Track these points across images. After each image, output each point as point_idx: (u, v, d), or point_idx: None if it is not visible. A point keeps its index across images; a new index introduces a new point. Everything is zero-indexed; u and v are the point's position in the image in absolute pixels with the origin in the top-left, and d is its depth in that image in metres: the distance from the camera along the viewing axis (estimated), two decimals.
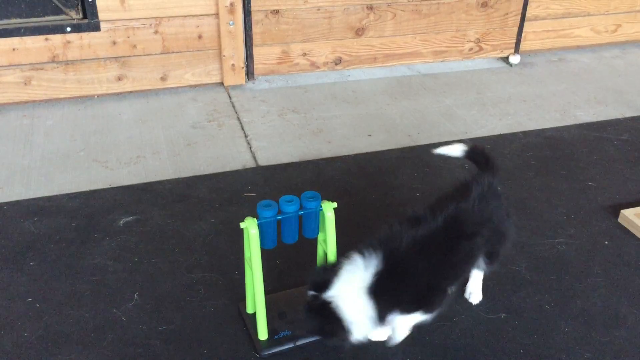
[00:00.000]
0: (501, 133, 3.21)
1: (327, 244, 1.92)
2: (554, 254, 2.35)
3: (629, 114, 3.42)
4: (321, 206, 1.86)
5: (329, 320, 1.74)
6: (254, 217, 1.82)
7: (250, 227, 1.80)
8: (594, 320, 2.06)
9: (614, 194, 2.71)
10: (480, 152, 2.07)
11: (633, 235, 2.45)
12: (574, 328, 2.03)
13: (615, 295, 2.16)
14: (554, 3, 3.97)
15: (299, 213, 1.84)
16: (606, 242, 2.42)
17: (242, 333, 1.99)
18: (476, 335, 2.00)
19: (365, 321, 1.75)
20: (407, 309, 1.81)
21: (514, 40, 4.00)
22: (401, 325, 1.88)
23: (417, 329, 1.96)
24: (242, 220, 1.81)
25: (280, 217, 1.83)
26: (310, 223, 1.88)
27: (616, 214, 2.55)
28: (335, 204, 1.87)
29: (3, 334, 1.97)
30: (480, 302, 2.12)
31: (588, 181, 2.80)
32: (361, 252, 1.77)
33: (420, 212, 1.85)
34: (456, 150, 2.09)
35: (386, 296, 1.74)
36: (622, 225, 2.51)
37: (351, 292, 1.73)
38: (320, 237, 1.96)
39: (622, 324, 2.05)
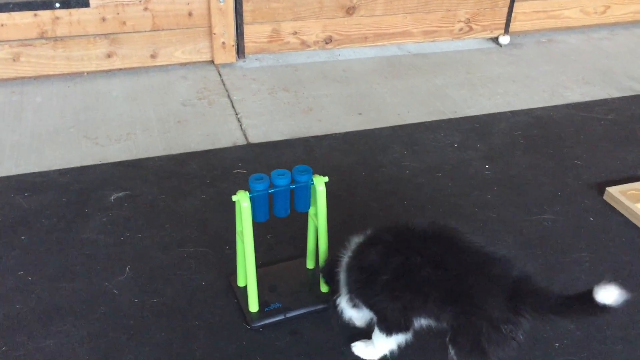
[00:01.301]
0: (490, 112, 3.23)
1: (318, 218, 1.94)
2: (540, 230, 2.39)
3: (616, 94, 3.45)
4: (312, 180, 1.88)
5: (333, 272, 1.79)
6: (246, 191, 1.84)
7: (242, 200, 1.81)
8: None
9: (600, 172, 2.75)
10: None
11: (618, 212, 2.50)
12: None
13: (598, 269, 2.21)
14: None
15: (291, 187, 1.86)
16: (591, 219, 2.47)
17: (233, 305, 2.02)
18: None
19: (344, 291, 1.77)
20: (360, 300, 1.75)
21: (504, 21, 4.01)
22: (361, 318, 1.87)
23: None
24: (234, 194, 1.83)
25: (272, 190, 1.85)
26: (301, 197, 1.90)
27: (602, 191, 2.60)
28: (326, 178, 1.90)
29: None
30: None
31: (575, 159, 2.84)
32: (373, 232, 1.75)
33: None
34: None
35: (348, 274, 1.75)
36: (607, 203, 2.55)
37: (345, 256, 1.77)
38: (311, 211, 1.99)
39: None
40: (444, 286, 1.59)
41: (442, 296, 1.60)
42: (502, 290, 1.52)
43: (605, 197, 2.57)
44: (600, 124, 3.14)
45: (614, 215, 2.49)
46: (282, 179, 1.84)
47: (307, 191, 1.90)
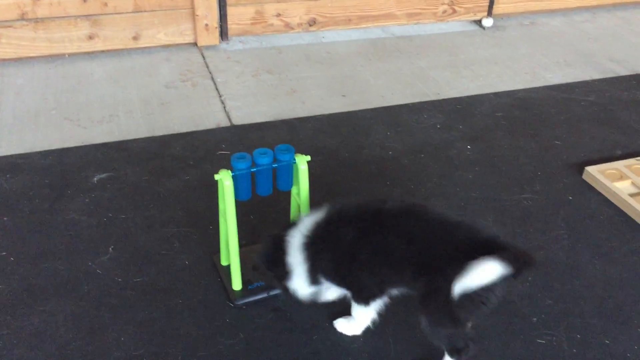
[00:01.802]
0: (473, 94, 3.26)
1: (301, 197, 1.96)
2: (520, 208, 2.43)
3: (596, 76, 3.49)
4: (295, 159, 1.89)
5: (277, 254, 1.77)
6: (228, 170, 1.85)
7: (224, 179, 1.83)
8: (556, 269, 2.15)
9: (579, 152, 2.79)
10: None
11: (596, 191, 2.54)
12: (537, 277, 2.11)
13: (577, 246, 2.25)
14: None
15: (273, 166, 1.87)
16: (570, 198, 2.50)
17: (217, 284, 2.04)
18: None
19: (300, 271, 1.76)
20: (332, 279, 1.77)
21: (487, 4, 4.02)
22: (331, 294, 1.86)
23: None
24: (216, 174, 1.84)
25: (254, 169, 1.86)
26: (283, 175, 1.91)
27: (581, 171, 2.64)
28: (308, 157, 1.91)
29: None
30: None
31: (555, 140, 2.88)
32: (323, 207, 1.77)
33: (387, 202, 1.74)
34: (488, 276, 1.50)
35: (312, 254, 1.74)
36: (586, 182, 2.59)
37: (297, 236, 1.75)
38: (293, 190, 2.00)
39: (582, 273, 2.14)
40: (416, 259, 1.62)
41: (415, 268, 1.63)
42: (468, 256, 1.52)
43: (584, 176, 2.61)
44: (580, 106, 3.18)
45: (592, 194, 2.53)
46: (264, 157, 1.85)
47: (290, 170, 1.91)
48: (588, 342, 1.88)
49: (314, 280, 1.76)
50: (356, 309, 1.81)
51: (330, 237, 1.72)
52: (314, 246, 1.73)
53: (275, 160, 1.87)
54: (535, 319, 1.96)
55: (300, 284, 1.77)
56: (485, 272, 1.46)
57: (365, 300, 1.75)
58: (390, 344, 1.85)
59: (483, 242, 1.58)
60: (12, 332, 1.84)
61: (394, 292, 1.77)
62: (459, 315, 1.59)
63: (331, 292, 1.85)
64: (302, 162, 1.90)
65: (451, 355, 1.70)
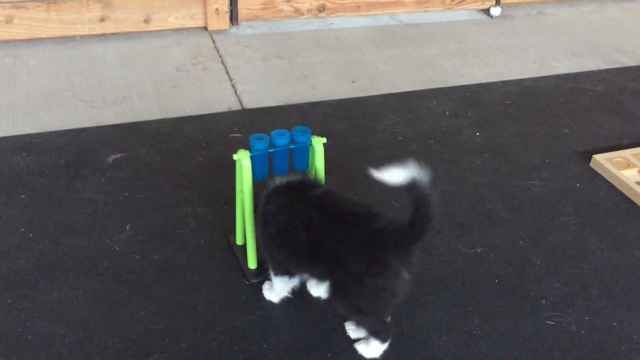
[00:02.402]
0: (480, 82, 3.29)
1: (316, 177, 1.99)
2: (529, 195, 2.47)
3: (603, 66, 3.52)
4: (311, 141, 1.93)
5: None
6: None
7: (243, 159, 1.86)
8: (564, 254, 2.19)
9: (587, 140, 2.83)
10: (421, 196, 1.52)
11: (603, 179, 2.58)
12: (545, 261, 2.16)
13: (584, 232, 2.30)
14: None
15: (290, 147, 1.91)
16: (578, 185, 2.55)
17: (232, 263, 2.08)
18: (454, 267, 2.12)
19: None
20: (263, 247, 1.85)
21: None
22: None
23: None
24: (235, 154, 1.87)
25: (272, 150, 1.89)
26: (300, 157, 1.94)
27: (588, 159, 2.67)
28: (324, 139, 1.94)
29: None
30: (458, 237, 2.23)
31: (563, 128, 2.91)
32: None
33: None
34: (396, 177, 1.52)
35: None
36: (594, 170, 2.63)
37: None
38: (309, 172, 2.03)
39: (590, 257, 2.18)
40: (314, 247, 1.65)
41: (313, 256, 1.67)
42: (363, 244, 1.57)
43: (591, 164, 2.65)
44: (587, 95, 3.21)
45: (599, 182, 2.57)
46: (282, 138, 1.88)
47: (306, 151, 1.94)
48: (595, 325, 1.93)
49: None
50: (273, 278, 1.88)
51: (262, 204, 1.79)
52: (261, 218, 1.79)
53: (292, 141, 1.91)
54: (544, 301, 2.00)
55: None
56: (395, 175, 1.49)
57: (274, 271, 1.85)
58: (404, 324, 1.90)
59: (377, 230, 1.59)
60: (34, 306, 1.88)
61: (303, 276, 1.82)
62: (360, 305, 1.64)
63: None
64: (318, 144, 1.93)
65: (374, 336, 1.75)
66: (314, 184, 1.82)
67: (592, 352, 1.84)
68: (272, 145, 1.89)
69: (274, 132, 1.90)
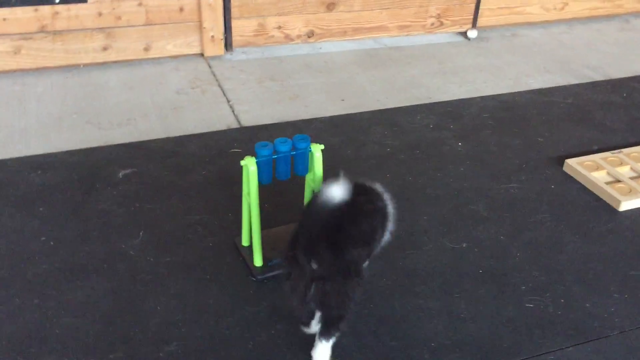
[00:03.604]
0: (461, 98, 3.53)
1: (315, 181, 2.20)
2: (508, 196, 2.69)
3: (573, 81, 3.79)
4: (310, 147, 2.14)
5: None
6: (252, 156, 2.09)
7: (249, 165, 2.06)
8: (541, 247, 2.40)
9: (560, 147, 3.07)
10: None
11: (575, 181, 2.81)
12: (524, 253, 2.37)
13: (559, 227, 2.51)
14: None
15: (291, 153, 2.12)
16: (552, 186, 2.77)
17: (239, 262, 2.26)
18: (442, 261, 2.32)
19: None
20: None
21: (472, 17, 4.33)
22: None
23: (392, 256, 2.28)
24: (238, 164, 2.07)
25: (275, 156, 2.10)
26: (301, 162, 2.15)
27: (561, 163, 2.91)
28: (322, 146, 2.16)
29: (23, 267, 2.20)
30: (444, 234, 2.44)
31: (537, 137, 3.15)
32: None
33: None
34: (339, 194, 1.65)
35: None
36: (566, 173, 2.86)
37: None
38: (308, 176, 2.24)
39: (564, 249, 2.40)
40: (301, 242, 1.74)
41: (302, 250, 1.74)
42: (326, 241, 1.68)
43: (564, 168, 2.88)
44: (559, 107, 3.47)
45: (572, 183, 2.80)
46: (284, 145, 2.10)
47: (306, 157, 2.15)
48: (571, 306, 2.14)
49: None
50: None
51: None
52: None
53: (293, 148, 2.12)
54: (523, 287, 2.21)
55: None
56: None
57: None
58: (397, 310, 2.09)
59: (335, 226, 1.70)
60: (59, 304, 2.05)
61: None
62: (330, 302, 1.74)
63: None
64: (316, 150, 2.14)
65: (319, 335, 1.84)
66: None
67: (567, 329, 2.05)
68: (275, 151, 2.10)
69: (277, 140, 2.11)
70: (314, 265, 1.70)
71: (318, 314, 1.85)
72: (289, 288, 1.82)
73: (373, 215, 1.88)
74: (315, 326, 1.90)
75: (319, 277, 1.71)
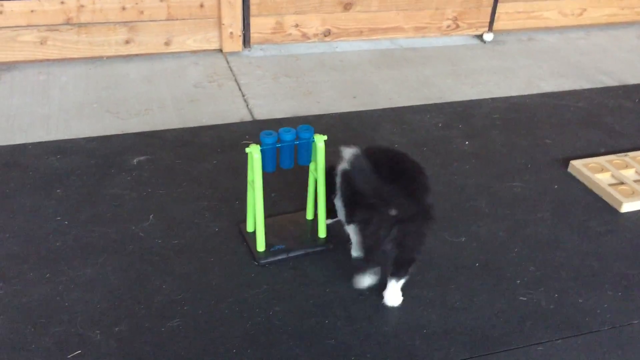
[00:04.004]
0: (472, 99, 3.58)
1: (318, 171, 2.27)
2: (510, 194, 2.74)
3: (586, 86, 3.81)
4: (313, 137, 2.22)
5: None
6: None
7: (254, 152, 2.15)
8: (539, 243, 2.45)
9: (567, 149, 3.10)
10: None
11: (579, 182, 2.84)
12: (522, 249, 2.41)
13: (559, 225, 2.56)
14: None
15: (295, 142, 2.20)
16: (555, 186, 2.81)
17: (243, 247, 2.35)
18: (440, 253, 2.38)
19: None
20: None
21: (488, 20, 4.37)
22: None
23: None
24: (247, 147, 2.16)
25: (279, 145, 2.18)
26: (304, 151, 2.23)
27: (567, 165, 2.94)
28: (325, 137, 2.23)
29: (38, 244, 2.31)
30: (444, 228, 2.50)
31: (545, 139, 3.19)
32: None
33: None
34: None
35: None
36: (571, 174, 2.90)
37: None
38: (311, 166, 2.32)
39: (562, 246, 2.44)
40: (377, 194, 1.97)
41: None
42: (407, 192, 1.96)
43: (569, 169, 2.92)
44: (570, 110, 3.50)
45: (576, 184, 2.83)
46: (288, 135, 2.18)
47: (309, 147, 2.23)
48: (563, 301, 2.18)
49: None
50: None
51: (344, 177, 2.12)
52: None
53: (297, 137, 2.20)
54: (518, 281, 2.26)
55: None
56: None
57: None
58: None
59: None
60: (70, 279, 2.16)
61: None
62: (406, 244, 2.01)
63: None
64: (319, 140, 2.22)
65: (397, 274, 2.10)
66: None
67: (558, 322, 2.09)
68: (279, 140, 2.18)
69: (281, 129, 2.19)
70: (393, 212, 1.93)
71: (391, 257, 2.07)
72: (369, 232, 2.00)
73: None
74: (367, 281, 2.15)
75: (401, 220, 1.95)
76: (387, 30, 4.24)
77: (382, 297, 2.13)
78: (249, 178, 2.25)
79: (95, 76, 3.60)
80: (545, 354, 1.98)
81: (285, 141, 2.18)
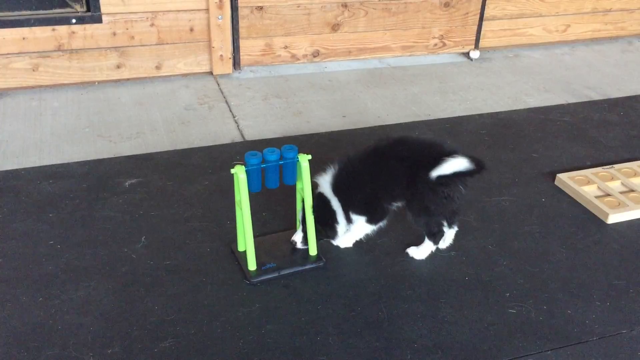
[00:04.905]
0: (460, 115, 3.64)
1: (304, 190, 2.30)
2: (499, 208, 2.77)
3: (572, 100, 3.87)
4: (297, 157, 2.25)
5: (324, 207, 2.36)
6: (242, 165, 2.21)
7: (239, 173, 2.18)
8: (527, 256, 2.48)
9: (553, 163, 3.15)
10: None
11: (566, 195, 2.88)
12: (510, 262, 2.44)
13: (546, 238, 2.59)
14: (509, 4, 4.43)
15: (280, 162, 2.23)
16: (543, 200, 2.85)
17: (235, 266, 2.37)
18: (431, 268, 2.40)
19: (340, 212, 2.33)
20: (357, 211, 2.37)
21: (474, 38, 4.44)
22: (356, 229, 2.43)
23: (382, 262, 2.37)
24: (232, 168, 2.20)
25: (264, 165, 2.21)
26: (289, 171, 2.26)
27: (554, 178, 2.98)
28: (309, 156, 2.27)
29: (31, 268, 2.33)
30: None
31: (532, 153, 3.23)
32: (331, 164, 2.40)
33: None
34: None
35: (342, 195, 2.34)
36: (558, 187, 2.94)
37: (326, 186, 2.36)
38: (298, 185, 2.35)
39: (550, 259, 2.47)
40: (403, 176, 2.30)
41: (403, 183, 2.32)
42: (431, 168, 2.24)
43: (556, 182, 2.96)
44: (556, 125, 3.55)
45: (563, 197, 2.87)
46: (272, 155, 2.21)
47: (294, 166, 2.27)
48: (552, 312, 2.20)
49: (347, 217, 2.36)
50: (363, 226, 2.41)
51: (346, 178, 2.33)
52: (340, 190, 2.33)
53: (281, 157, 2.23)
54: (507, 294, 2.28)
55: (342, 225, 2.37)
56: (455, 163, 2.23)
57: (375, 221, 2.41)
58: (384, 313, 2.17)
59: (448, 154, 2.27)
60: (63, 302, 2.18)
61: (393, 206, 2.40)
62: (431, 207, 2.30)
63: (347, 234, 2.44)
64: (304, 160, 2.26)
65: (429, 238, 2.39)
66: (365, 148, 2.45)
67: (547, 334, 2.11)
68: (264, 161, 2.22)
69: (266, 150, 2.23)
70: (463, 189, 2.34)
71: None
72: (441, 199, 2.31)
73: None
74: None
75: (464, 174, 2.29)
76: (375, 50, 4.31)
77: (375, 311, 2.15)
78: (237, 198, 2.28)
79: (87, 101, 3.64)
80: None
81: (270, 161, 2.21)
